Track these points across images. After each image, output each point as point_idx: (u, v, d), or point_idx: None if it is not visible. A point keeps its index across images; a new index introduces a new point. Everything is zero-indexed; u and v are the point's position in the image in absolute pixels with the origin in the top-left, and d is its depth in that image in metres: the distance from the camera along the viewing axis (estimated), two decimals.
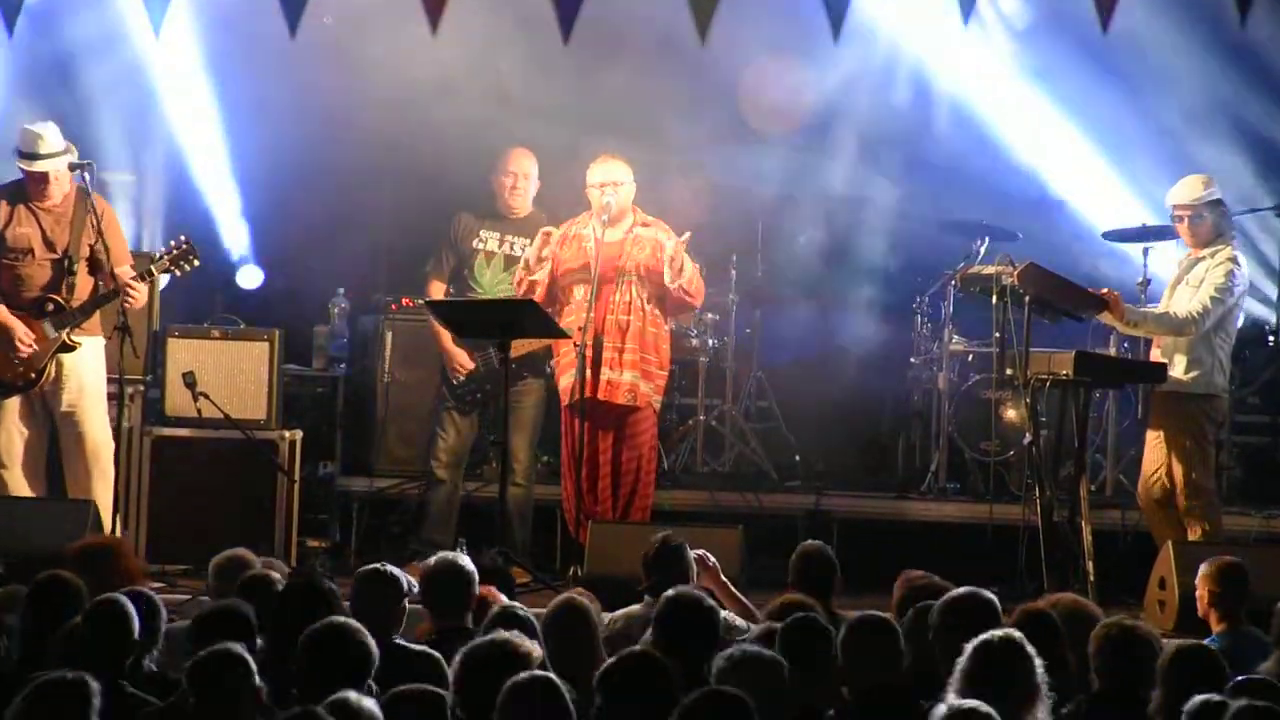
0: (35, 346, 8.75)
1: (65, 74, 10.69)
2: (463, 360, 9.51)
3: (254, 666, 4.95)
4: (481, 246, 9.56)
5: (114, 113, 10.80)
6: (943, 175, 11.53)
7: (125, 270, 8.87)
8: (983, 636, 5.05)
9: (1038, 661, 4.98)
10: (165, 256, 8.90)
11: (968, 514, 10.18)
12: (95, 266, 8.88)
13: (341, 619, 5.32)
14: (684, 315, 10.02)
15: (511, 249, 9.54)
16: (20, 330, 8.75)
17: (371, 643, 5.19)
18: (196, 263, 8.96)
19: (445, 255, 9.63)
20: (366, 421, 10.64)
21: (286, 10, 5.21)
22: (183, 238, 8.96)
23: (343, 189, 11.18)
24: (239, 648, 4.97)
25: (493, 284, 9.50)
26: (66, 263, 8.80)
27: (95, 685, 4.64)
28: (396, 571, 6.16)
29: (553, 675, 4.73)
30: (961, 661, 4.99)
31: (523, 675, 4.68)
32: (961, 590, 5.75)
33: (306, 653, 5.15)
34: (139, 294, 8.78)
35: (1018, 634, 5.11)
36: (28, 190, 8.85)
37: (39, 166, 8.78)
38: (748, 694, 4.59)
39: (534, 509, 9.63)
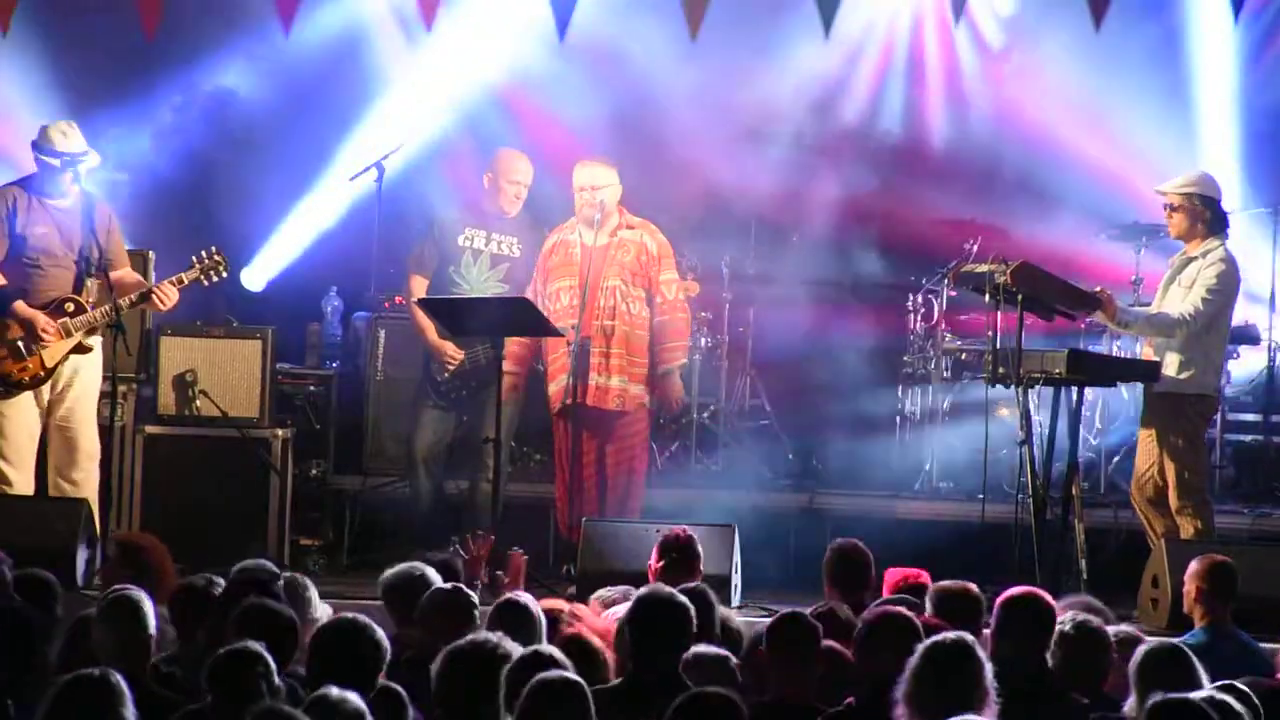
0: (56, 340, 8.67)
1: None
2: (451, 353, 9.44)
3: (274, 665, 4.95)
4: (468, 244, 9.48)
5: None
6: (936, 172, 11.55)
7: (127, 273, 8.86)
8: (933, 638, 5.06)
9: (987, 663, 4.99)
10: (196, 266, 8.84)
11: (960, 512, 10.17)
12: (101, 268, 8.81)
13: (351, 615, 5.31)
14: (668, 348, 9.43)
15: (499, 248, 9.49)
16: (42, 320, 8.64)
17: (382, 639, 5.18)
18: (225, 274, 8.96)
19: (427, 251, 9.52)
20: (359, 420, 10.64)
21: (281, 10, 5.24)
22: (214, 249, 8.90)
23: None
24: (259, 646, 4.97)
25: (479, 281, 9.46)
26: (83, 264, 8.73)
27: (124, 682, 4.63)
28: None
29: (576, 676, 4.73)
30: (911, 662, 5.00)
31: (551, 674, 4.69)
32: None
33: (315, 651, 5.15)
34: (169, 299, 8.75)
35: (968, 636, 5.12)
36: (41, 188, 8.72)
37: (69, 163, 8.67)
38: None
39: (527, 509, 9.64)
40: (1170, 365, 8.74)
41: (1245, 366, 11.02)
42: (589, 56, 10.44)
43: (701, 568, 7.30)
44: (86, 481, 8.78)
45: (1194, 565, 7.04)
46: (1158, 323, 8.79)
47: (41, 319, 8.64)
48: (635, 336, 9.16)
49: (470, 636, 5.10)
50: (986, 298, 8.76)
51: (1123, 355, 9.92)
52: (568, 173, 9.34)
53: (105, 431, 9.02)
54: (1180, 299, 8.76)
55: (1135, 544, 9.06)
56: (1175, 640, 5.80)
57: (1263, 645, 7.01)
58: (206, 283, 8.90)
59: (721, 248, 11.17)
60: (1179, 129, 11.26)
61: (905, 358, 11.18)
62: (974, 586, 6.38)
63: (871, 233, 11.70)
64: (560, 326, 9.01)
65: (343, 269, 11.17)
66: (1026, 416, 8.68)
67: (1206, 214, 8.81)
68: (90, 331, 8.73)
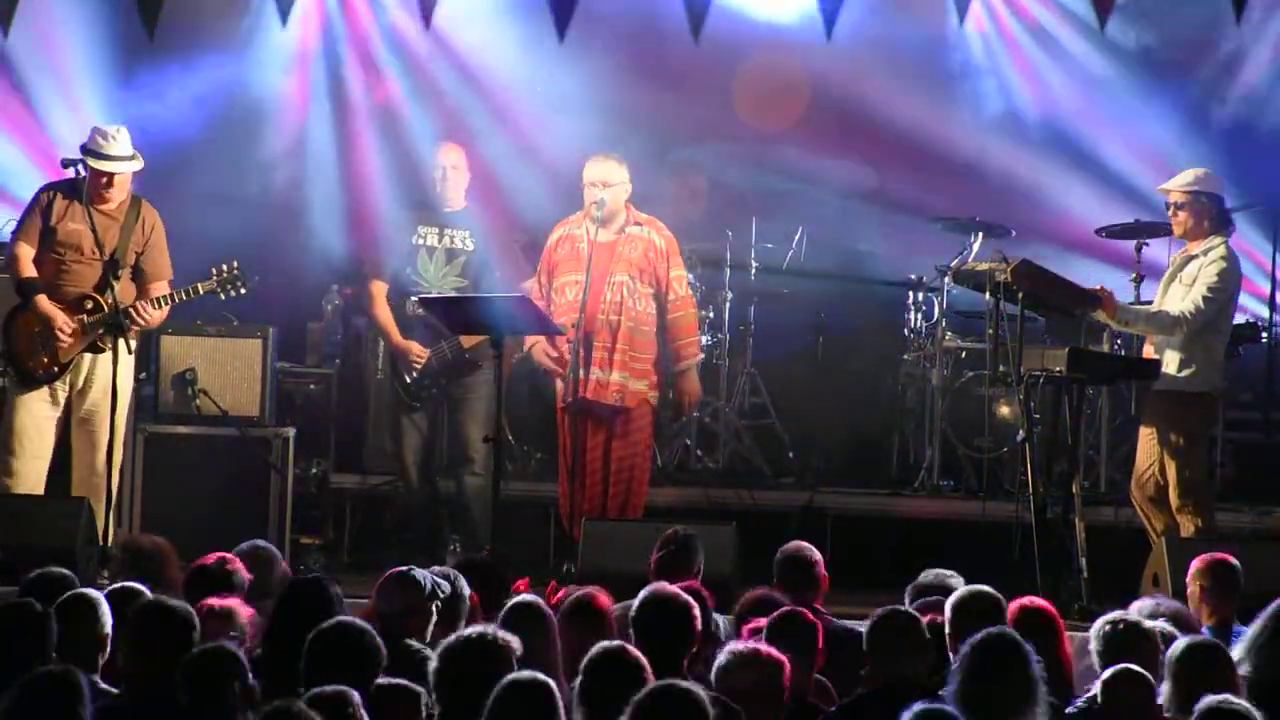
0: (72, 338, 8.75)
1: None
2: (417, 351, 9.43)
3: (247, 664, 4.94)
4: (421, 242, 9.45)
5: None
6: (938, 170, 11.54)
7: (161, 285, 8.91)
8: (980, 634, 5.06)
9: (1034, 657, 4.98)
10: (214, 279, 8.91)
11: (961, 511, 10.16)
12: (137, 275, 8.91)
13: (348, 618, 5.30)
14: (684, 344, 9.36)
15: (452, 242, 9.47)
16: (60, 319, 8.76)
17: (378, 642, 5.18)
18: (244, 290, 8.99)
19: (384, 254, 9.53)
20: (359, 419, 10.64)
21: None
22: (234, 262, 8.97)
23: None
24: (232, 646, 4.97)
25: (438, 279, 9.45)
26: (112, 266, 8.78)
27: (84, 679, 4.63)
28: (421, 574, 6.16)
29: (543, 676, 4.72)
30: (959, 659, 4.99)
31: (521, 675, 4.68)
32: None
33: (311, 652, 5.14)
34: (147, 320, 8.82)
35: (1012, 631, 5.11)
36: (86, 189, 8.77)
37: (108, 167, 8.74)
38: (749, 690, 4.64)
39: (527, 508, 9.64)
40: (1171, 363, 8.73)
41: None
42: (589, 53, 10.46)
43: (701, 566, 7.29)
44: (108, 480, 8.76)
45: (1195, 564, 7.04)
46: (1157, 321, 8.78)
47: (60, 317, 8.76)
48: (640, 333, 9.15)
49: (467, 632, 5.09)
50: (987, 295, 8.75)
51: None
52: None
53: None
54: (1181, 297, 8.75)
55: (1136, 542, 9.05)
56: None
57: None
58: (224, 296, 8.98)
59: (722, 245, 11.15)
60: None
61: (905, 355, 11.18)
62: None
63: (872, 230, 11.70)
64: (561, 323, 9.01)
65: (343, 267, 11.14)
66: (1027, 414, 8.67)
67: (1212, 211, 8.80)
68: (119, 334, 8.73)
